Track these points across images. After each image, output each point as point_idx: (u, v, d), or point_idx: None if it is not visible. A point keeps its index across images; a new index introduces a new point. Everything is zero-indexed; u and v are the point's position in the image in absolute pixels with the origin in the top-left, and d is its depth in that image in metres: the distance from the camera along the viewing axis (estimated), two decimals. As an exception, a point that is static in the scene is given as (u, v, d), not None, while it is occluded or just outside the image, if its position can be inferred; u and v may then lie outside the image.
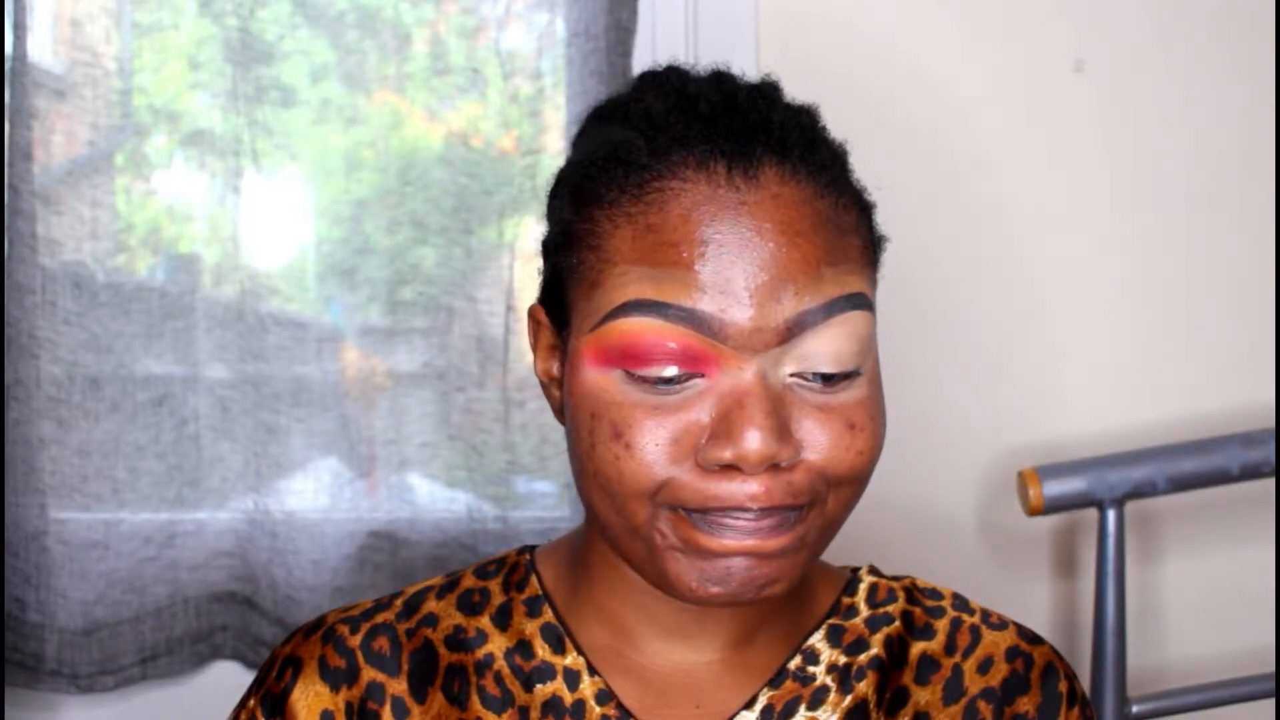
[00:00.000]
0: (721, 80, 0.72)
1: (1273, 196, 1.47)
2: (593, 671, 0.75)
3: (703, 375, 0.66)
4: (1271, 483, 1.39)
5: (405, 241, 1.48)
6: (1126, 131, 1.48)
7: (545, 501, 1.50)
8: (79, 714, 1.46)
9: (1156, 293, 1.49)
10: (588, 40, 1.43)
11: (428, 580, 0.81)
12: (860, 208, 0.71)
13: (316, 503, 1.48)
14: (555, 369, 0.74)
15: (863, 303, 0.68)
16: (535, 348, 0.76)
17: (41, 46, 1.43)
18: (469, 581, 0.80)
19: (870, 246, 0.71)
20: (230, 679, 1.47)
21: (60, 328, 1.42)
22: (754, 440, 0.64)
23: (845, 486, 0.68)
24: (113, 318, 1.44)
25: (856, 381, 0.68)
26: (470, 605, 0.79)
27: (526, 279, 1.48)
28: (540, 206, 1.48)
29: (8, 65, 1.38)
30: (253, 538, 1.46)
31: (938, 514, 1.48)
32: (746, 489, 0.65)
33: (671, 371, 0.65)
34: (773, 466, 0.65)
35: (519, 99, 1.48)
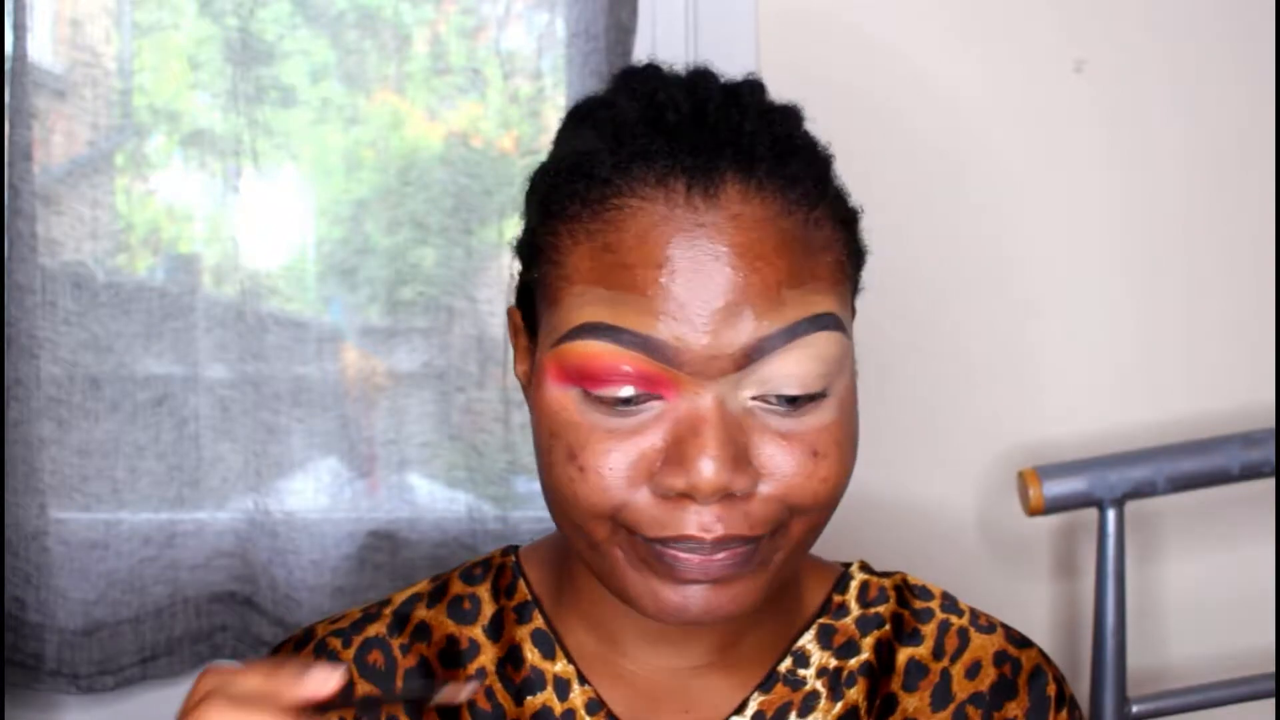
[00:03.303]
0: (696, 86, 0.70)
1: (1273, 196, 1.47)
2: (583, 680, 0.74)
3: (660, 397, 0.65)
4: (1271, 483, 1.39)
5: (405, 241, 1.48)
6: (1126, 132, 1.48)
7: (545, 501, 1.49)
8: (79, 714, 1.46)
9: (1157, 293, 1.49)
10: (588, 40, 1.43)
11: (414, 587, 0.80)
12: (839, 219, 0.69)
13: (316, 503, 1.48)
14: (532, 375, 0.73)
15: (830, 323, 0.66)
16: (514, 349, 0.75)
17: (41, 46, 1.43)
18: (457, 587, 0.79)
19: (847, 261, 0.69)
20: (230, 679, 1.47)
21: (60, 328, 1.42)
22: (707, 469, 0.63)
23: (810, 514, 0.66)
24: (113, 318, 1.44)
25: (823, 404, 0.66)
26: (461, 613, 0.78)
27: (526, 279, 1.48)
28: (540, 206, 1.49)
29: (8, 65, 1.38)
30: (253, 538, 1.46)
31: (938, 514, 1.48)
32: (699, 518, 0.64)
33: (629, 392, 0.64)
34: (728, 496, 0.64)
35: (519, 99, 1.48)
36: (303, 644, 0.78)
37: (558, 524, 0.70)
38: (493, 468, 1.48)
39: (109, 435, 1.44)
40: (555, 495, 0.67)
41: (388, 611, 0.79)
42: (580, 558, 0.70)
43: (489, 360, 1.48)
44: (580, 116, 0.73)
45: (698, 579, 0.65)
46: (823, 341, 0.65)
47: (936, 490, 1.48)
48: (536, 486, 1.50)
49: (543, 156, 1.37)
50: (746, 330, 0.64)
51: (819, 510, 0.67)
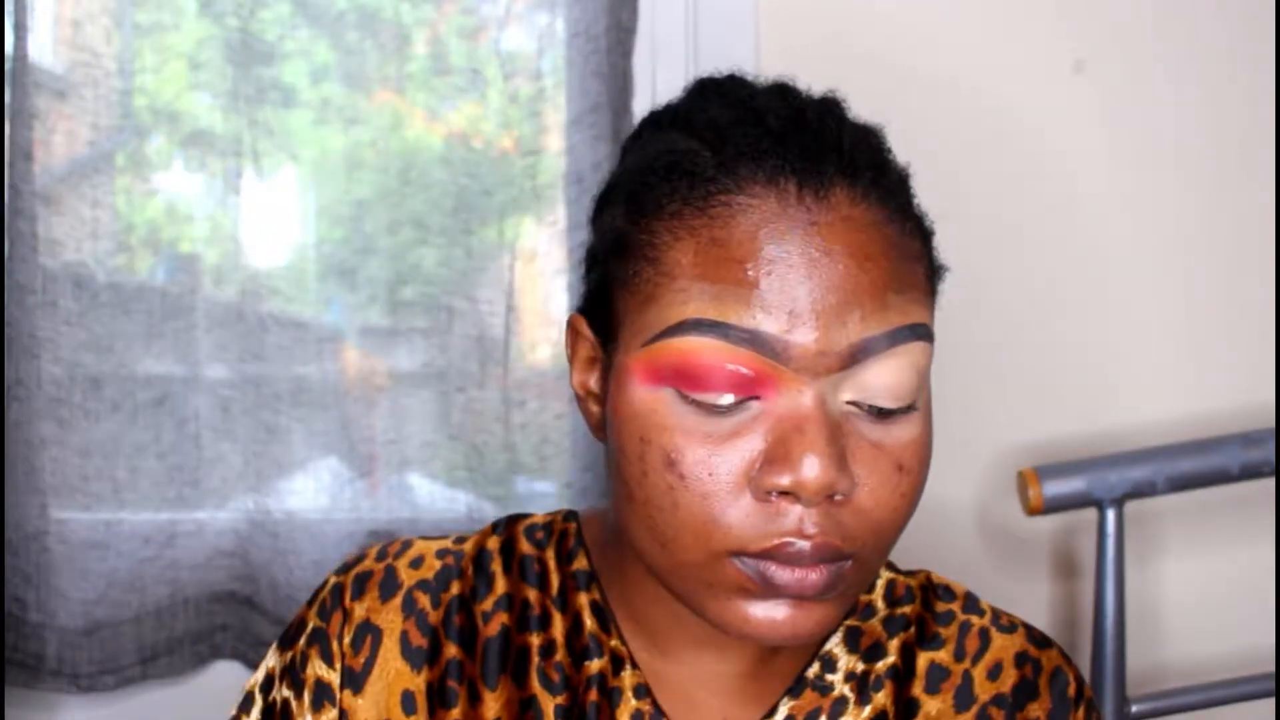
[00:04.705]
0: (786, 94, 0.70)
1: (1273, 196, 1.47)
2: (634, 665, 0.75)
3: (758, 398, 0.64)
4: (1271, 483, 1.39)
5: (405, 241, 1.48)
6: (1126, 132, 1.48)
7: (545, 502, 1.50)
8: (79, 714, 1.46)
9: (1156, 293, 1.49)
10: (588, 40, 1.43)
11: (481, 537, 0.79)
12: (923, 235, 0.70)
13: (317, 503, 1.48)
14: (593, 382, 0.72)
15: (925, 333, 0.66)
16: (573, 359, 0.73)
17: (42, 46, 1.43)
18: (525, 547, 0.79)
19: (932, 274, 0.70)
20: (230, 679, 1.47)
21: (61, 328, 1.43)
22: (813, 467, 0.62)
23: (887, 535, 0.67)
24: (113, 318, 1.45)
25: (911, 417, 0.66)
26: (533, 575, 0.77)
27: (526, 279, 1.48)
28: (540, 206, 1.48)
29: (8, 65, 1.38)
30: (253, 538, 1.46)
31: (938, 513, 1.48)
32: (802, 519, 0.63)
33: (729, 400, 0.63)
34: (827, 498, 0.63)
35: (519, 99, 1.48)
36: (390, 594, 0.77)
37: (637, 541, 0.68)
38: (493, 468, 1.48)
39: (109, 435, 1.44)
40: (648, 506, 0.65)
41: (465, 564, 0.78)
42: (657, 573, 0.68)
43: (489, 360, 1.48)
44: (663, 122, 0.72)
45: (793, 595, 0.64)
46: (918, 351, 0.66)
47: (936, 490, 1.47)
48: (537, 486, 1.50)
49: (543, 156, 1.37)
50: (854, 330, 0.63)
51: (894, 528, 0.67)
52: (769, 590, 0.64)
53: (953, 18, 1.48)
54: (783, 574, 0.64)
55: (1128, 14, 1.48)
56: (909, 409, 0.66)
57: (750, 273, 0.63)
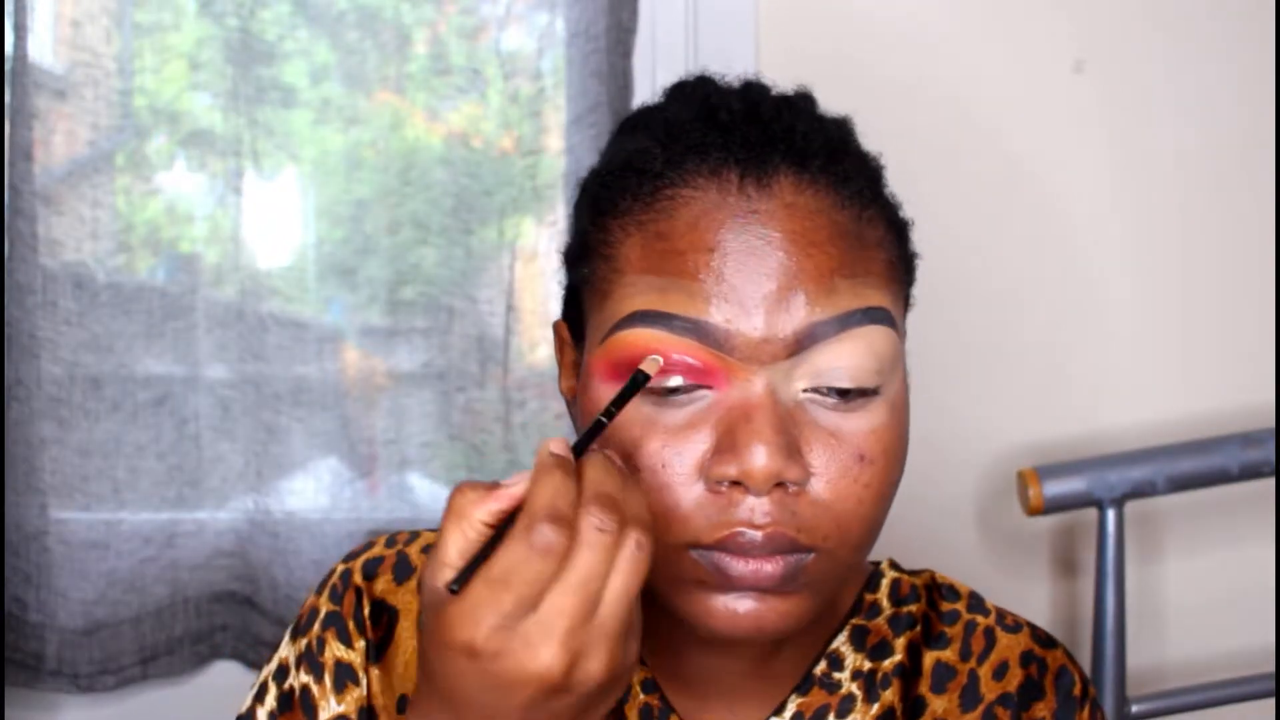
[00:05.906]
0: (749, 90, 0.71)
1: (1273, 196, 1.47)
2: (641, 660, 0.74)
3: (710, 387, 0.64)
4: (1271, 483, 1.39)
5: (405, 241, 1.48)
6: (1125, 132, 1.48)
7: (545, 501, 1.49)
8: (79, 714, 1.46)
9: (1156, 293, 1.49)
10: (588, 40, 1.43)
11: None
12: (890, 223, 0.69)
13: (317, 503, 1.48)
14: (577, 385, 0.72)
15: (883, 318, 0.66)
16: (560, 365, 0.74)
17: (42, 46, 1.43)
18: None
19: (900, 263, 0.69)
20: (230, 679, 1.47)
21: (61, 328, 1.42)
22: (760, 456, 0.62)
23: (853, 529, 0.65)
24: (113, 318, 1.45)
25: (874, 404, 0.65)
26: None
27: (526, 279, 1.48)
28: (540, 206, 1.49)
29: (8, 65, 1.38)
30: (253, 538, 1.46)
31: (938, 513, 1.48)
32: (753, 509, 0.63)
33: (677, 381, 0.64)
34: (779, 487, 0.63)
35: (519, 99, 1.48)
36: (405, 575, 0.77)
37: None
38: (493, 468, 1.48)
39: (109, 435, 1.44)
40: None
41: None
42: None
43: (489, 360, 1.48)
44: (631, 124, 0.73)
45: (750, 586, 0.64)
46: (875, 335, 0.65)
47: (937, 490, 1.48)
48: (536, 486, 1.50)
49: (543, 156, 1.37)
50: (799, 315, 0.63)
51: (862, 521, 0.66)
52: (725, 582, 0.64)
53: (953, 19, 1.48)
54: (737, 565, 0.64)
55: (1128, 14, 1.48)
56: (871, 394, 0.65)
57: (691, 264, 0.64)
